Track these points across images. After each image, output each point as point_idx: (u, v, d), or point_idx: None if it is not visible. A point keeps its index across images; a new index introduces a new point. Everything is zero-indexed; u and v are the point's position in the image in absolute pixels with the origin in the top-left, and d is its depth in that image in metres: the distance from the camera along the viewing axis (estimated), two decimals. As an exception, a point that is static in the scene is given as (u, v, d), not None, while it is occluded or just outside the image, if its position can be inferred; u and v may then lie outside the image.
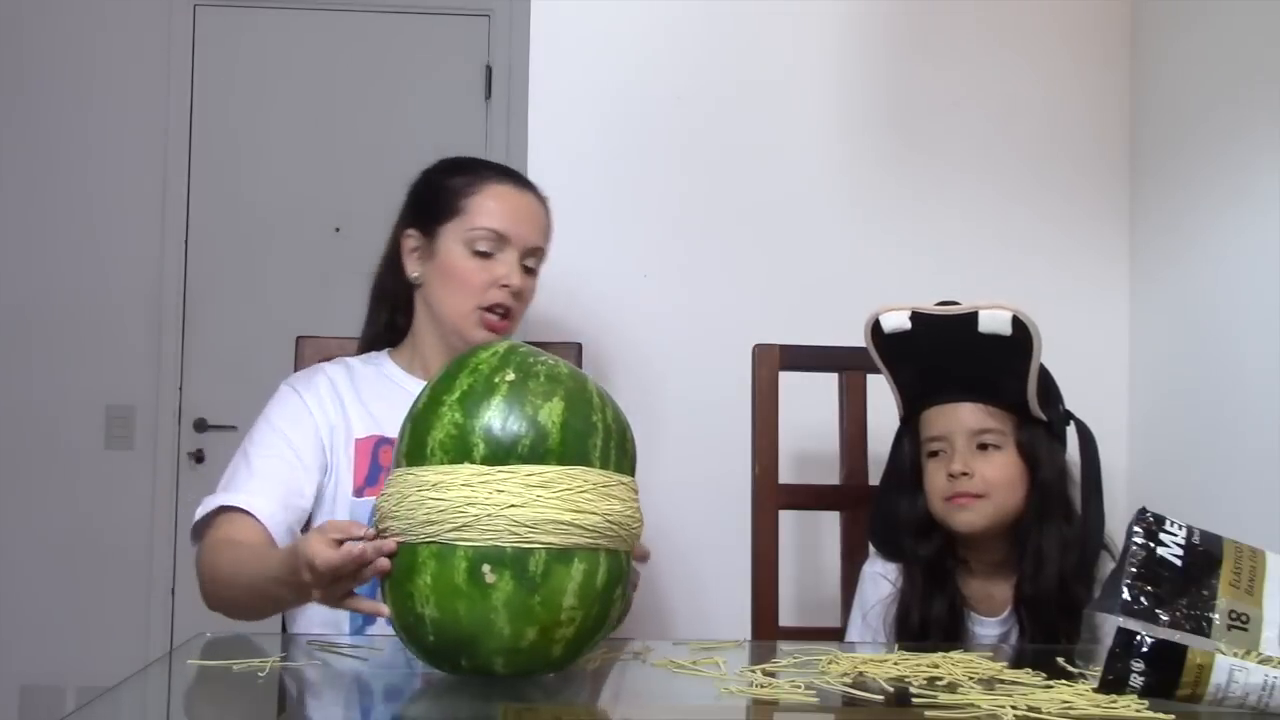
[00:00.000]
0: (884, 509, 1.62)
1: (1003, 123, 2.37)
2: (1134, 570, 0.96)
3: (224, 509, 1.46)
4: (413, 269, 1.61)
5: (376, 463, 1.53)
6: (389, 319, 1.67)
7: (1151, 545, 0.98)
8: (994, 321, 1.45)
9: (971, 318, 1.46)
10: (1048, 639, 1.47)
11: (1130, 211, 2.38)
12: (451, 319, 1.57)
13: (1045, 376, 1.55)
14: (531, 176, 1.71)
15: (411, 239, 1.62)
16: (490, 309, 1.56)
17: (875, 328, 1.54)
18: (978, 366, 1.49)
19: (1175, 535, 0.99)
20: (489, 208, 1.58)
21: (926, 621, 1.52)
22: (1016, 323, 1.44)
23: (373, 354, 1.67)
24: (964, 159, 2.36)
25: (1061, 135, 2.38)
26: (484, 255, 1.56)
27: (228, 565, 1.40)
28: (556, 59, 2.32)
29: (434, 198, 1.62)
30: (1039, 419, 1.52)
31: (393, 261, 1.66)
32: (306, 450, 1.52)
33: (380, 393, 1.57)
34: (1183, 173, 2.22)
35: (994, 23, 2.38)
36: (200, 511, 1.48)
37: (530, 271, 1.61)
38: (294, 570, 1.15)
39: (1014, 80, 2.38)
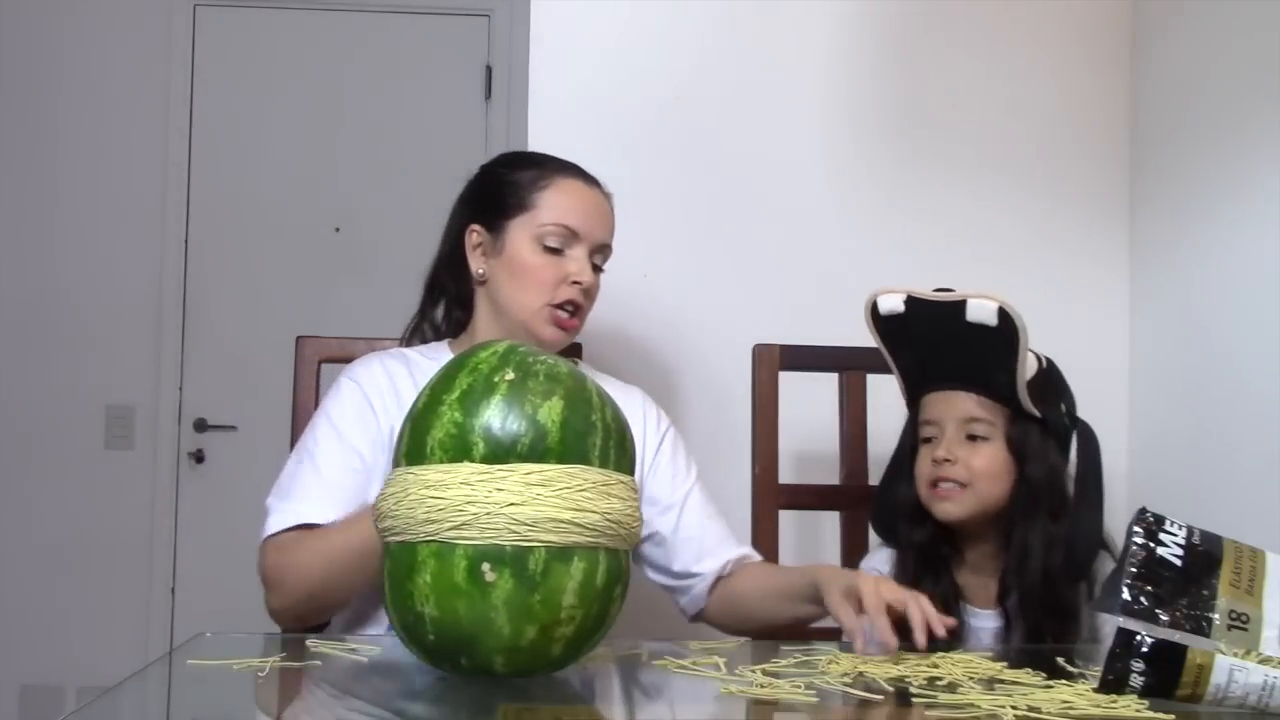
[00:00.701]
0: (884, 492, 1.64)
1: (1003, 122, 2.37)
2: (1134, 570, 0.96)
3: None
4: (477, 265, 1.57)
5: None
6: (445, 313, 1.65)
7: (1151, 545, 0.98)
8: (981, 311, 1.46)
9: (960, 306, 1.47)
10: (1033, 636, 1.48)
11: (1130, 211, 2.38)
12: (521, 316, 1.53)
13: (1049, 374, 1.55)
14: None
15: (476, 234, 1.57)
16: (560, 306, 1.53)
17: (874, 309, 1.55)
18: (968, 355, 1.50)
19: (1175, 535, 0.99)
20: (560, 203, 1.54)
21: None
22: (1002, 314, 1.45)
23: (432, 345, 1.63)
24: (964, 158, 2.36)
25: (1062, 135, 2.38)
26: (554, 251, 1.53)
27: (306, 551, 1.38)
28: (556, 59, 2.32)
29: (499, 192, 1.57)
30: (1033, 415, 1.52)
31: (451, 258, 1.62)
32: (371, 453, 1.48)
33: None
34: (1183, 173, 2.22)
35: (994, 23, 2.38)
36: (276, 525, 1.42)
37: (597, 269, 1.58)
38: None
39: (1014, 80, 2.38)
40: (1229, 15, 2.10)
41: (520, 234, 1.54)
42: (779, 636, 1.51)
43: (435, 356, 1.58)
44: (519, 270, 1.53)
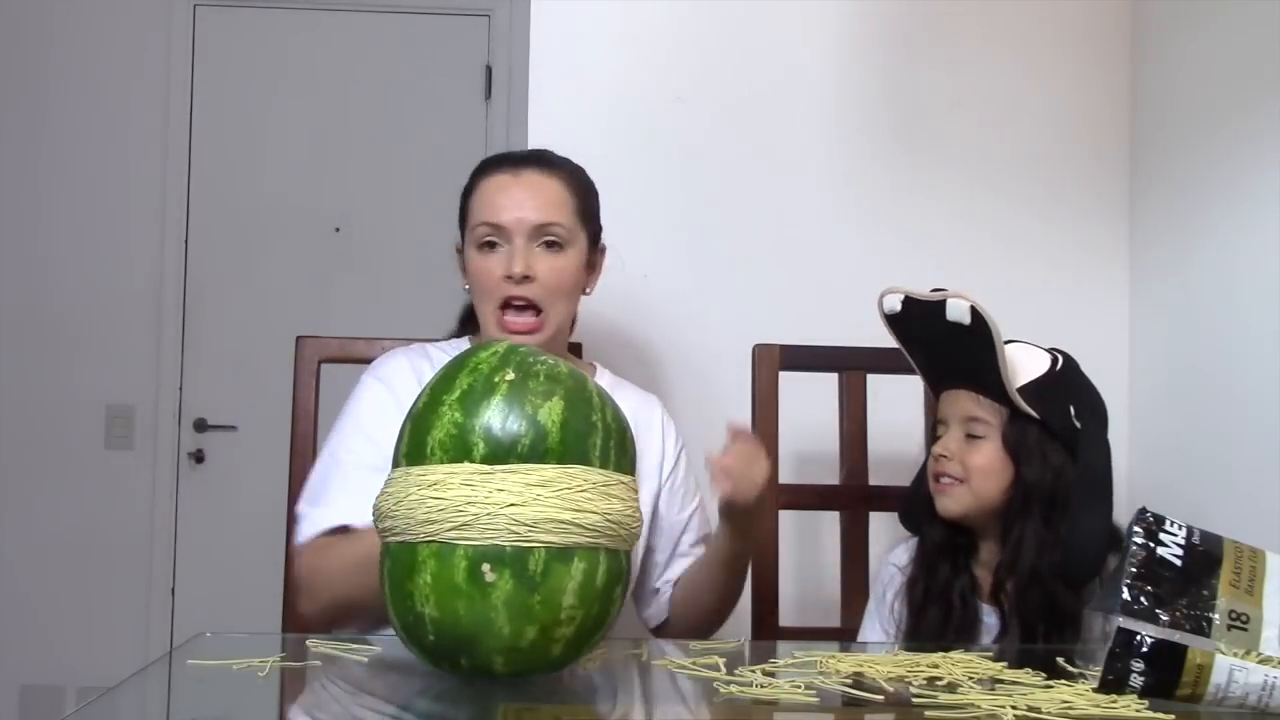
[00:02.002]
0: (913, 485, 1.66)
1: (1003, 123, 2.37)
2: (1134, 570, 0.96)
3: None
4: (463, 282, 1.60)
5: None
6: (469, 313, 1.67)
7: (1151, 545, 0.98)
8: (956, 310, 1.46)
9: (941, 306, 1.47)
10: (1028, 636, 1.48)
11: (1130, 211, 2.38)
12: (484, 326, 1.54)
13: (1060, 376, 1.54)
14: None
15: (458, 253, 1.61)
16: (505, 306, 1.51)
17: (881, 308, 1.56)
18: (961, 355, 1.51)
19: (1175, 535, 0.99)
20: (483, 201, 1.54)
21: (930, 594, 1.55)
22: (974, 313, 1.45)
23: (453, 341, 1.64)
24: (964, 159, 2.37)
25: (1062, 135, 2.38)
26: (489, 251, 1.52)
27: (336, 556, 1.37)
28: (556, 59, 2.32)
29: (460, 208, 1.60)
30: (1033, 416, 1.52)
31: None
32: None
33: None
34: (1183, 172, 2.22)
35: (994, 23, 2.38)
36: (308, 532, 1.43)
37: (553, 247, 1.51)
38: None
39: (1014, 81, 2.38)
40: (1229, 15, 2.10)
41: (468, 245, 1.56)
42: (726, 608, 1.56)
43: (453, 353, 1.57)
44: (472, 280, 1.56)
